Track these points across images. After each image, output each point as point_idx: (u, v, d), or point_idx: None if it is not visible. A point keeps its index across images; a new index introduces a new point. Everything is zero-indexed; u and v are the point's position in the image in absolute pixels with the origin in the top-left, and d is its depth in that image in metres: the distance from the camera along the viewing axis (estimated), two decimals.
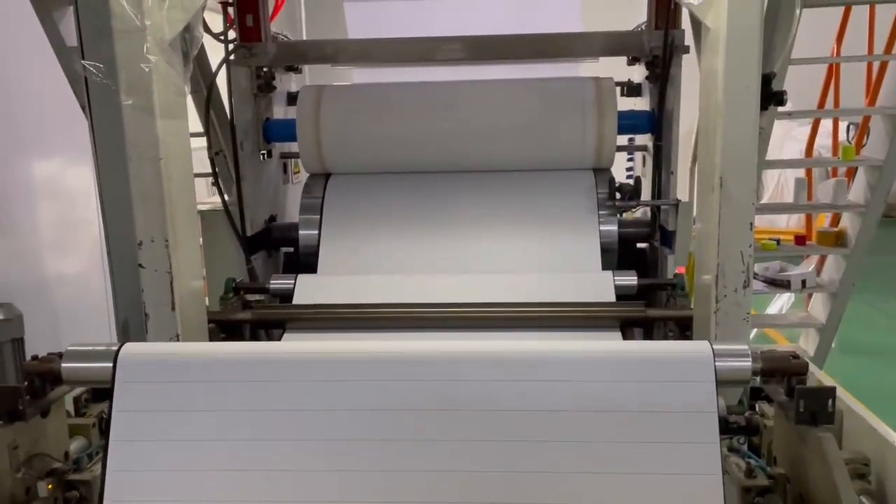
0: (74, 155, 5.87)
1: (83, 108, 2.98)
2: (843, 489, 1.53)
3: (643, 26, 3.54)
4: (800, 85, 5.40)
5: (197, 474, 1.64)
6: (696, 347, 1.74)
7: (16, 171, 5.49)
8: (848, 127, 8.66)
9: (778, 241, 4.33)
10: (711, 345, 1.73)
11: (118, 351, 1.73)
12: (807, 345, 4.47)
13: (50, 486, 1.72)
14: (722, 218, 2.25)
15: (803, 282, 4.21)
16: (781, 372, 1.76)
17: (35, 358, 1.79)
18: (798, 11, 2.43)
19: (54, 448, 1.83)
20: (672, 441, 1.65)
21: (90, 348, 1.78)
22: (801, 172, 4.89)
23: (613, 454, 1.64)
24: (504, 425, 1.66)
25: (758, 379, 1.78)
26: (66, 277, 5.90)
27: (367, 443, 1.65)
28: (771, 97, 2.40)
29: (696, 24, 2.45)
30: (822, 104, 5.02)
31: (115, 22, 2.14)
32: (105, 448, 1.67)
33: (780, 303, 6.79)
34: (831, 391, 1.67)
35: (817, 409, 1.66)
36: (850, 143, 5.19)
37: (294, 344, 1.88)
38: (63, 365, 1.77)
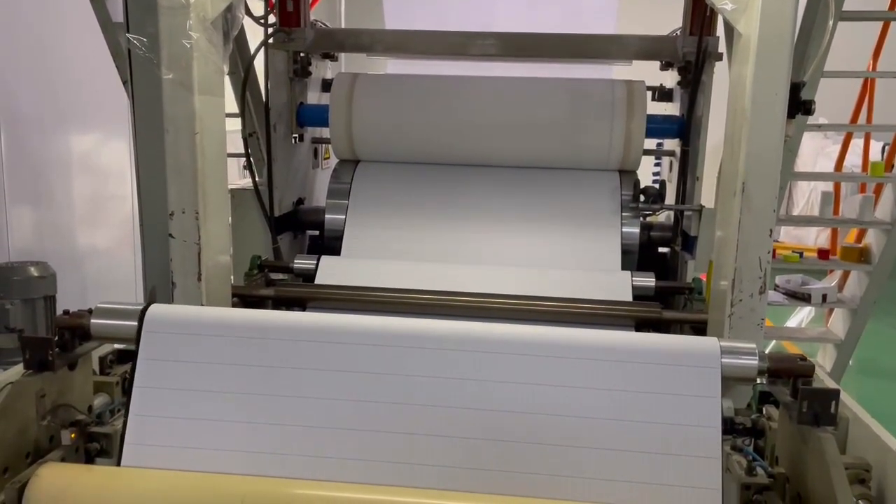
0: (111, 132, 6.03)
1: (124, 83, 3.08)
2: (840, 489, 1.54)
3: (678, 32, 3.56)
4: (835, 104, 5.36)
5: (215, 424, 1.71)
6: (703, 342, 1.77)
7: (55, 146, 5.64)
8: (883, 147, 8.57)
9: (801, 254, 4.31)
10: (720, 341, 1.76)
11: (145, 310, 1.81)
12: (825, 360, 4.44)
13: (73, 436, 1.78)
14: (742, 223, 2.26)
15: (824, 296, 4.18)
16: (788, 372, 1.77)
17: (66, 313, 1.87)
18: (831, 22, 2.44)
19: (79, 401, 1.90)
20: (674, 437, 1.68)
21: (119, 306, 1.85)
22: (830, 187, 4.87)
23: (608, 454, 1.66)
24: (499, 407, 1.69)
25: (765, 381, 1.81)
26: (97, 250, 6.04)
27: (375, 404, 1.70)
28: (799, 106, 2.41)
29: (729, 30, 2.47)
30: (854, 121, 4.99)
31: None
32: (128, 395, 1.75)
33: (800, 317, 6.73)
34: (835, 393, 1.69)
35: (820, 409, 1.67)
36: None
37: (315, 314, 1.95)
38: (92, 321, 1.85)
